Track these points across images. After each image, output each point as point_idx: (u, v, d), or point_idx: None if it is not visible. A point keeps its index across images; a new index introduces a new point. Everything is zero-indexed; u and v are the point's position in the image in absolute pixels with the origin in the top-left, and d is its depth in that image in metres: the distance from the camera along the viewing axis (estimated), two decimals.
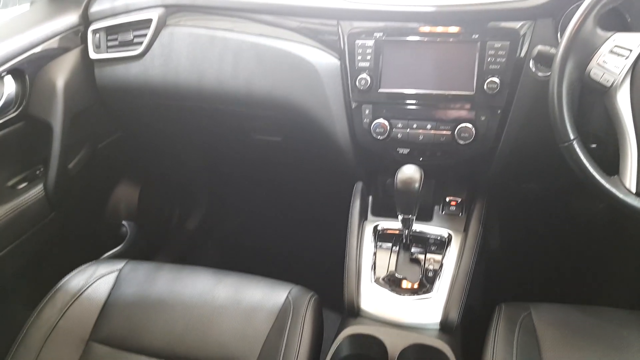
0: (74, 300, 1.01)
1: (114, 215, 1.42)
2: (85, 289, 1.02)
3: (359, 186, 1.14)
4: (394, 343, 0.88)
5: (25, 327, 0.97)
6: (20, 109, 1.10)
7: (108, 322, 0.98)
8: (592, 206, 1.38)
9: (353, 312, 0.95)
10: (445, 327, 0.90)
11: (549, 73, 0.83)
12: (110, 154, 1.35)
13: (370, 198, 1.15)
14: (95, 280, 1.04)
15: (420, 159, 1.02)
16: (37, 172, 1.17)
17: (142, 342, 0.94)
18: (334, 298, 1.08)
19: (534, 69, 0.92)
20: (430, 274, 0.97)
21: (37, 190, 1.12)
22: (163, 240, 1.61)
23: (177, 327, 0.96)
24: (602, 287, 1.23)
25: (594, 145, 0.87)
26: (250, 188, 1.56)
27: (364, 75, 0.98)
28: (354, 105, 1.02)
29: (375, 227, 1.08)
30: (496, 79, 0.92)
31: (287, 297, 0.97)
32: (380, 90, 0.99)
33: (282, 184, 1.48)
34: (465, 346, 0.94)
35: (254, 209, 1.64)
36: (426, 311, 0.93)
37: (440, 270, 0.98)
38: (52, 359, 0.93)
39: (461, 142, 0.98)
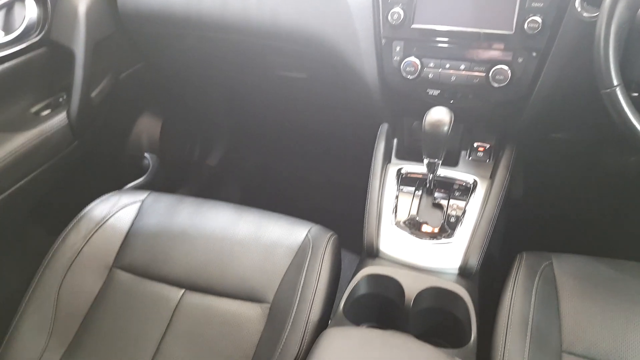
0: (98, 228, 1.03)
1: (136, 147, 1.43)
2: (109, 218, 1.04)
3: (384, 128, 1.11)
4: (411, 285, 0.88)
5: (50, 252, 1.00)
6: (42, 34, 1.08)
7: (131, 251, 1.00)
8: (622, 159, 1.34)
9: (372, 253, 0.95)
10: (464, 272, 0.90)
11: (596, 13, 0.78)
12: (132, 85, 1.33)
13: (395, 141, 1.13)
14: (118, 210, 1.06)
15: (451, 101, 0.98)
16: (60, 99, 1.16)
17: (164, 271, 0.97)
18: (352, 240, 1.09)
19: (579, 9, 0.86)
20: (452, 220, 0.96)
21: (61, 118, 1.12)
22: (184, 175, 1.62)
23: (198, 258, 0.98)
24: (627, 241, 1.21)
25: (635, 94, 0.82)
26: (272, 126, 1.54)
27: (397, 8, 0.93)
28: (384, 41, 0.97)
29: (399, 170, 1.06)
30: (538, 18, 0.86)
31: (307, 235, 0.98)
32: (414, 25, 0.94)
33: (304, 123, 1.45)
34: (482, 293, 0.94)
35: (275, 148, 1.63)
36: (446, 256, 0.92)
37: (463, 216, 0.97)
38: (77, 282, 0.97)
39: (495, 84, 0.93)
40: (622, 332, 0.80)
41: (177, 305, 0.93)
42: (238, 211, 1.05)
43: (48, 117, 1.11)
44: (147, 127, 1.45)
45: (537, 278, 0.87)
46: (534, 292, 0.85)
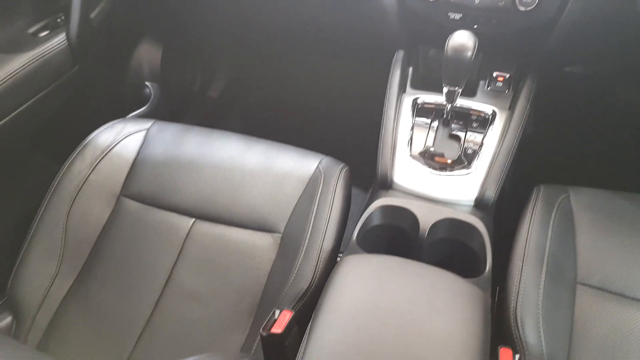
0: (104, 156, 1.00)
1: (137, 74, 1.37)
2: (114, 146, 1.01)
3: (399, 55, 1.06)
4: (426, 216, 0.87)
5: (56, 179, 0.97)
6: None
7: (138, 179, 0.98)
8: (636, 94, 1.30)
9: (385, 184, 0.93)
10: (480, 204, 0.89)
11: None
12: (132, 9, 1.26)
13: (411, 69, 1.08)
14: (123, 138, 1.03)
15: (475, 26, 0.93)
16: (59, 20, 1.09)
17: (173, 200, 0.95)
18: (360, 173, 1.06)
19: None
20: (470, 151, 0.93)
21: (60, 39, 1.06)
22: (185, 106, 1.57)
23: (207, 188, 0.96)
24: None
25: None
26: (278, 54, 1.47)
27: None
28: None
29: (415, 100, 1.02)
30: None
31: (318, 166, 0.96)
32: None
33: (315, 49, 1.38)
34: (498, 225, 0.93)
35: (281, 78, 1.57)
36: (462, 188, 0.91)
37: (481, 147, 0.94)
38: (85, 210, 0.96)
39: (522, 8, 0.88)
40: (638, 266, 0.80)
41: (187, 234, 0.92)
42: (246, 141, 1.02)
43: (46, 38, 1.05)
44: (148, 54, 1.39)
45: (554, 210, 0.86)
46: (551, 224, 0.84)
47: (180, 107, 1.54)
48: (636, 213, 0.86)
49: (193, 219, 0.94)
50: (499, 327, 0.78)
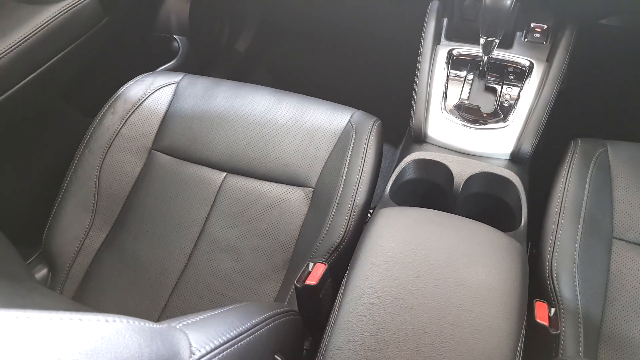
0: (135, 109, 1.00)
1: (165, 28, 1.35)
2: (145, 99, 1.01)
3: (434, 5, 1.02)
4: (461, 170, 0.86)
5: (88, 133, 0.98)
6: None
7: (169, 133, 0.98)
8: None
9: (419, 138, 0.92)
10: (516, 158, 0.87)
11: None
12: None
13: (445, 20, 1.04)
14: (154, 91, 1.02)
15: None
16: None
17: (204, 154, 0.96)
18: (394, 127, 1.05)
19: None
20: (506, 104, 0.91)
21: None
22: (213, 60, 1.56)
23: (238, 142, 0.96)
24: None
25: None
26: (305, 6, 1.43)
27: None
28: None
29: (450, 52, 0.99)
30: None
31: (349, 120, 0.95)
32: None
33: (342, 4, 1.34)
34: (533, 180, 0.92)
35: (309, 31, 1.53)
36: (497, 141, 0.89)
37: (517, 100, 0.92)
38: (117, 164, 0.97)
39: None
40: None
41: (219, 188, 0.93)
42: (277, 95, 1.01)
43: None
44: (175, 7, 1.36)
45: (591, 164, 0.84)
46: (588, 179, 0.82)
47: (209, 61, 1.52)
48: None
49: (225, 173, 0.94)
50: (533, 281, 0.78)
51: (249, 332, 0.48)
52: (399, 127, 1.10)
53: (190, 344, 0.39)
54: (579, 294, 0.72)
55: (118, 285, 0.89)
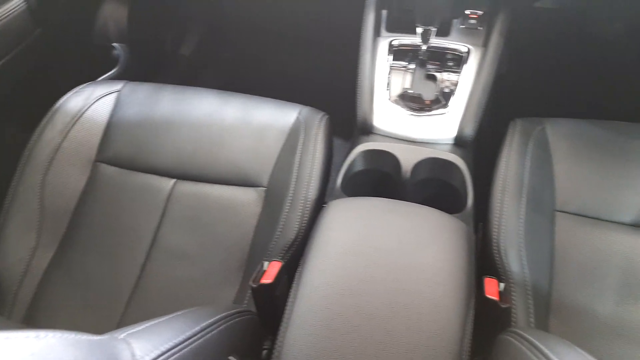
0: (75, 122, 0.97)
1: (103, 36, 1.32)
2: (85, 110, 0.98)
3: None
4: (408, 157, 0.87)
5: (27, 149, 0.95)
6: None
7: (113, 143, 0.96)
8: (606, 26, 1.31)
9: (366, 129, 0.93)
10: (460, 141, 0.89)
11: None
12: None
13: (384, 12, 1.06)
14: (94, 101, 0.99)
15: None
16: None
17: (151, 161, 0.94)
18: (344, 122, 1.06)
19: None
20: (447, 90, 0.93)
21: (17, 2, 1.00)
22: (158, 66, 1.52)
23: (186, 146, 0.94)
24: (615, 103, 1.22)
25: None
26: (250, 7, 1.42)
27: None
28: None
29: (390, 43, 1.00)
30: None
31: (298, 117, 0.95)
32: None
33: (283, 3, 1.34)
34: (480, 162, 0.94)
35: (255, 31, 1.52)
36: (441, 127, 0.91)
37: (457, 86, 0.94)
38: (60, 179, 0.93)
39: None
40: (614, 191, 0.82)
41: (169, 195, 0.91)
42: (223, 97, 1.00)
43: (1, 1, 1.00)
44: (113, 13, 1.33)
45: (530, 142, 0.87)
46: (528, 156, 0.85)
47: (153, 67, 1.49)
48: (609, 139, 0.88)
49: (174, 180, 0.93)
50: (484, 259, 0.80)
51: (198, 336, 0.48)
52: (351, 120, 1.11)
53: (133, 353, 0.38)
54: (526, 268, 0.75)
55: (70, 304, 0.86)
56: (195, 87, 1.03)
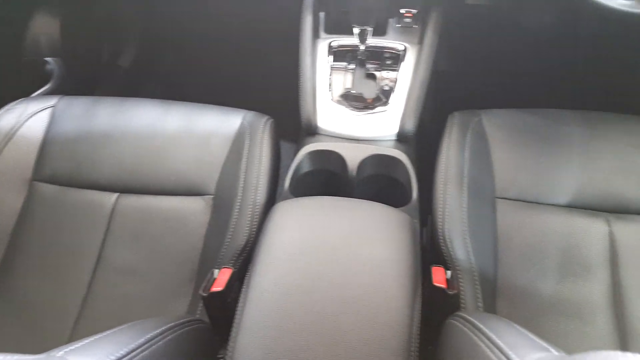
0: (8, 141, 0.93)
1: (35, 50, 1.26)
2: (18, 128, 0.94)
3: (308, 1, 1.04)
4: (353, 155, 0.89)
5: None
6: None
7: (50, 160, 0.92)
8: (539, 20, 1.38)
9: (310, 130, 0.94)
10: (402, 137, 0.91)
11: None
12: None
13: (322, 14, 1.07)
14: (27, 118, 0.95)
15: None
16: None
17: (92, 177, 0.91)
18: (291, 124, 1.06)
19: None
20: (387, 88, 0.95)
21: None
22: (95, 79, 1.48)
23: (127, 159, 0.92)
24: (549, 92, 1.28)
25: None
26: (189, 13, 1.40)
27: None
28: None
29: (330, 44, 1.02)
30: None
31: (242, 122, 0.94)
32: None
33: (224, 5, 1.33)
34: (421, 155, 0.97)
35: (196, 38, 1.50)
36: (383, 124, 0.93)
37: (396, 83, 0.96)
38: None
39: None
40: (549, 175, 0.86)
41: (112, 210, 0.89)
42: (164, 106, 0.98)
43: None
44: (45, 26, 1.28)
45: (468, 133, 0.90)
46: (467, 147, 0.88)
47: (90, 81, 1.45)
48: (542, 126, 0.92)
49: (116, 194, 0.90)
50: (433, 249, 0.82)
51: (142, 348, 0.46)
52: (298, 122, 1.11)
53: None
54: (472, 254, 0.77)
55: (12, 331, 0.81)
56: (134, 98, 1.01)
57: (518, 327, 0.46)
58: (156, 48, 1.56)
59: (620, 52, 1.35)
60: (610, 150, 0.88)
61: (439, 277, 0.69)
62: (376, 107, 0.94)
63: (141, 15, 1.48)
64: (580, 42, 1.34)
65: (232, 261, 0.80)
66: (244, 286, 0.64)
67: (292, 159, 0.94)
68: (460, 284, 0.74)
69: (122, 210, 0.89)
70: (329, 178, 0.92)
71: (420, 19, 1.05)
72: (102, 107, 0.97)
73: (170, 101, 1.00)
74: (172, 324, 0.55)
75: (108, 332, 0.48)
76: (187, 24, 1.46)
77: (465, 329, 0.48)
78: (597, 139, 0.89)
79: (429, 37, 0.99)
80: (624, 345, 0.75)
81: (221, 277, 0.72)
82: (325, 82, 0.98)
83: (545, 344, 0.39)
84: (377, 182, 0.90)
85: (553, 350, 0.37)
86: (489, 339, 0.41)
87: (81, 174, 0.91)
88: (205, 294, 0.69)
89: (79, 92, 1.04)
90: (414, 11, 1.06)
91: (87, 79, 1.43)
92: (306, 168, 0.91)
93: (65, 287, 0.83)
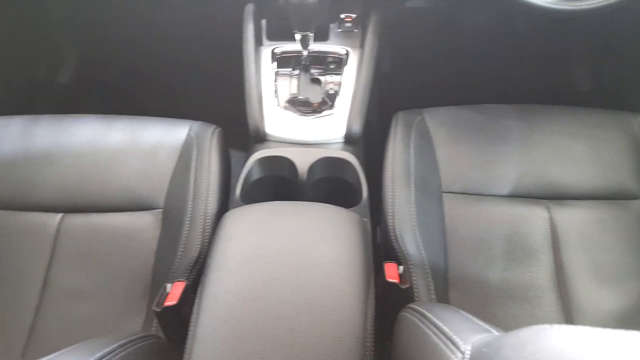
0: None
1: None
2: None
3: (249, 8, 1.05)
4: (302, 160, 0.89)
5: None
6: None
7: None
8: (473, 19, 1.44)
9: (259, 137, 0.94)
10: (349, 139, 0.93)
11: None
12: None
13: (264, 21, 1.07)
14: None
15: None
16: None
17: (33, 198, 0.87)
18: (238, 133, 1.06)
19: None
20: (332, 92, 0.97)
21: None
22: (32, 98, 1.42)
23: (70, 178, 0.89)
24: (485, 87, 1.33)
25: None
26: (129, 25, 1.37)
27: None
28: None
29: (273, 51, 1.02)
30: None
31: (189, 133, 0.93)
32: None
33: (162, 15, 1.31)
34: (370, 155, 0.99)
35: (137, 51, 1.47)
36: (330, 127, 0.94)
37: (341, 86, 0.98)
38: None
39: None
40: (491, 168, 0.90)
41: (57, 231, 0.85)
42: (106, 121, 0.96)
43: None
44: None
45: (412, 132, 0.93)
46: (412, 145, 0.91)
47: (27, 100, 1.39)
48: (482, 121, 0.96)
49: (60, 214, 0.87)
50: (386, 246, 0.84)
51: None
52: (247, 130, 1.11)
53: None
54: (422, 248, 0.79)
55: None
56: (75, 115, 0.98)
57: (463, 312, 0.48)
58: (97, 62, 1.51)
59: (548, 47, 1.43)
60: (546, 141, 0.93)
61: (392, 272, 0.71)
62: (323, 110, 0.95)
63: (79, 30, 1.43)
64: (513, 40, 1.41)
65: (185, 274, 0.79)
66: (197, 297, 0.63)
67: (242, 167, 0.94)
68: (413, 277, 0.75)
69: (67, 230, 0.86)
70: (280, 183, 0.92)
71: (361, 23, 1.08)
72: (41, 126, 0.94)
73: (113, 115, 0.98)
74: (124, 341, 0.53)
75: (56, 354, 0.46)
76: (128, 36, 1.43)
77: (415, 319, 0.49)
78: (532, 130, 0.94)
79: (370, 40, 1.01)
80: (569, 323, 0.79)
81: (174, 291, 0.71)
82: (270, 88, 0.98)
83: (487, 326, 0.41)
84: (327, 184, 0.91)
85: (494, 331, 0.38)
86: (435, 326, 0.43)
87: (22, 196, 0.87)
88: (158, 309, 0.68)
89: (17, 112, 1.00)
90: (354, 15, 1.08)
91: (23, 98, 1.37)
92: (257, 175, 0.91)
93: (11, 315, 0.80)
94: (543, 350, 0.27)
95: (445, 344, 0.39)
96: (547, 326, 0.30)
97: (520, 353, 0.28)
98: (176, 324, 0.69)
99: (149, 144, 0.92)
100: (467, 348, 0.36)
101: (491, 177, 0.89)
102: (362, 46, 1.03)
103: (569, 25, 1.30)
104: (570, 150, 0.92)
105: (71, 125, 0.95)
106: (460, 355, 0.35)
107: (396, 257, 0.78)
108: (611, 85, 1.43)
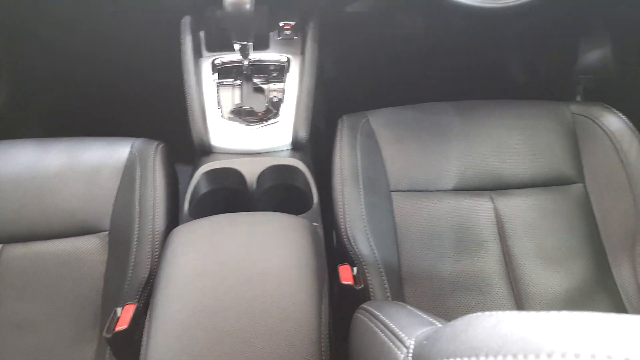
0: None
1: None
2: None
3: (186, 20, 1.04)
4: (250, 170, 0.89)
5: None
6: None
7: None
8: (413, 20, 1.48)
9: (204, 150, 0.92)
10: (296, 145, 0.93)
11: None
12: None
13: (202, 33, 1.06)
14: None
15: None
16: None
17: None
18: (184, 147, 1.04)
19: None
20: (275, 100, 0.97)
21: None
22: None
23: (7, 206, 0.85)
24: (427, 86, 1.37)
25: None
26: (65, 46, 1.33)
27: None
28: None
29: (213, 62, 1.01)
30: None
31: (131, 150, 0.91)
32: None
33: (97, 33, 1.27)
34: (317, 161, 0.99)
35: (73, 69, 1.42)
36: (277, 135, 0.94)
37: (284, 94, 0.98)
38: None
39: None
40: (435, 164, 0.92)
41: None
42: (43, 145, 0.92)
43: None
44: None
45: (358, 134, 0.94)
46: (358, 147, 0.92)
47: None
48: (423, 119, 0.99)
49: (0, 245, 0.83)
50: (340, 248, 0.84)
51: None
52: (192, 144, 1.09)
53: None
54: (374, 248, 0.80)
55: None
56: (8, 140, 0.93)
57: (410, 307, 0.49)
58: (32, 83, 1.45)
59: (485, 45, 1.49)
60: (486, 134, 0.96)
61: (346, 275, 0.72)
62: (268, 119, 0.95)
63: (12, 47, 1.37)
64: (451, 39, 1.45)
65: (136, 296, 0.76)
66: (147, 317, 0.62)
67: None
68: (368, 277, 0.76)
69: (7, 261, 0.82)
70: (230, 195, 0.91)
71: (300, 30, 1.08)
72: None
73: (49, 139, 0.94)
74: None
75: None
76: (63, 56, 1.38)
77: (366, 318, 0.49)
78: (473, 125, 0.97)
79: (310, 46, 1.02)
80: (520, 308, 0.82)
81: (125, 315, 0.69)
82: (213, 100, 0.97)
83: (431, 319, 0.41)
84: (278, 192, 0.91)
85: (438, 323, 0.39)
86: (383, 323, 0.43)
87: None
88: (109, 335, 0.66)
89: None
90: (293, 23, 1.08)
91: None
92: (205, 189, 0.90)
93: None
94: (474, 337, 0.28)
95: (392, 341, 0.39)
96: (479, 314, 0.31)
97: (453, 342, 0.29)
98: (129, 349, 0.67)
99: (90, 165, 0.89)
100: (411, 342, 0.36)
101: (436, 173, 0.92)
102: (302, 53, 1.04)
103: (504, 24, 1.36)
104: (508, 141, 0.95)
105: (4, 152, 0.91)
106: (405, 350, 0.36)
107: (350, 258, 0.79)
108: (545, 77, 1.51)
